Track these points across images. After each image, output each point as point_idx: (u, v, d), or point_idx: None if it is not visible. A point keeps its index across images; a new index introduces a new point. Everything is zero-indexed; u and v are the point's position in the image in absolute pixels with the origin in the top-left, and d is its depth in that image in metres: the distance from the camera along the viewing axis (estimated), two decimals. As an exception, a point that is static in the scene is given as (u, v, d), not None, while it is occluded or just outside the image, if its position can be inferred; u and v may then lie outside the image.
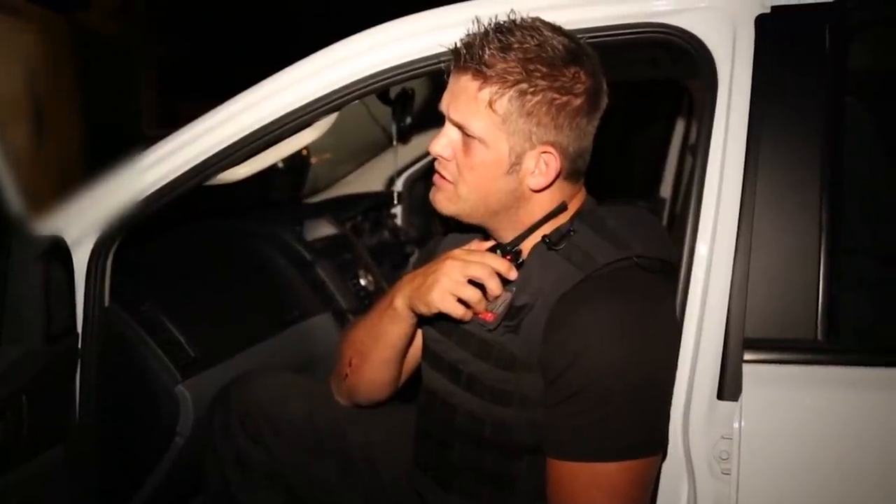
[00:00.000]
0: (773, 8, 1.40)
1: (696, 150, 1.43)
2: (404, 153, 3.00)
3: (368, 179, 3.17)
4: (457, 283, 1.41)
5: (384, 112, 2.72)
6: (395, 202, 3.05)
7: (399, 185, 3.09)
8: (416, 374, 1.62)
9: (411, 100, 2.64)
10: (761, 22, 1.40)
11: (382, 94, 2.53)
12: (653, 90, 3.01)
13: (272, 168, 2.13)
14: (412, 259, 2.99)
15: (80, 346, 1.65)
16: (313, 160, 3.04)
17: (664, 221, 2.76)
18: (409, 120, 2.72)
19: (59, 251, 1.56)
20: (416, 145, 2.94)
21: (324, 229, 2.69)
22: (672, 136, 2.97)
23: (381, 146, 3.06)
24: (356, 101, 1.63)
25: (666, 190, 3.02)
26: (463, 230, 1.56)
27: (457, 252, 1.46)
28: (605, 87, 1.40)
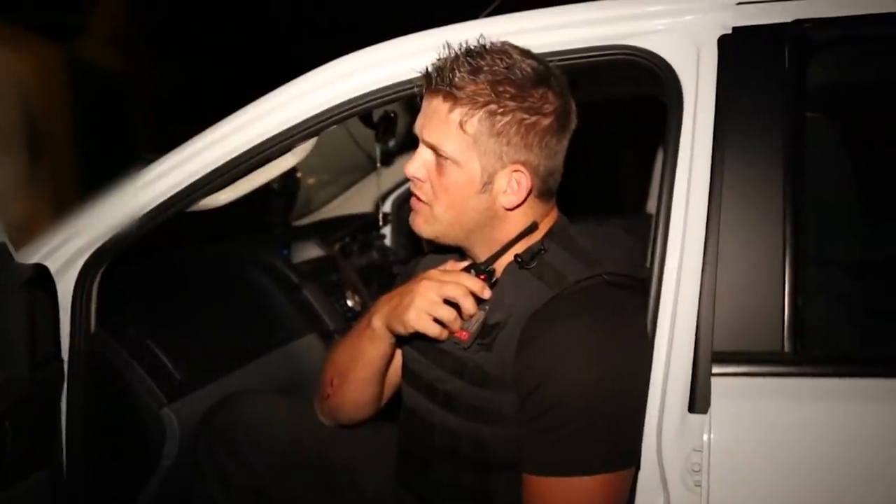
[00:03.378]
0: (735, 29, 1.43)
1: (664, 168, 1.46)
2: (390, 175, 3.03)
3: (356, 201, 3.20)
4: (432, 302, 1.43)
5: (369, 135, 2.76)
6: (383, 223, 3.08)
7: (387, 207, 3.12)
8: (399, 392, 1.64)
9: (394, 123, 2.67)
10: (723, 42, 1.44)
11: (365, 118, 2.56)
12: (638, 107, 3.04)
13: (260, 192, 2.15)
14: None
15: (66, 371, 1.68)
16: (301, 184, 3.07)
17: (651, 237, 2.77)
18: (392, 142, 2.76)
19: (42, 279, 1.59)
20: (402, 167, 2.97)
21: (311, 251, 2.71)
22: (658, 153, 2.99)
23: (368, 168, 3.09)
24: (338, 126, 1.67)
25: (653, 205, 3.04)
26: (442, 251, 1.58)
27: (432, 272, 1.49)
28: (574, 107, 1.43)
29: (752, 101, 1.40)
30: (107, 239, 1.69)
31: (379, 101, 1.61)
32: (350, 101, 1.60)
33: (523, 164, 1.40)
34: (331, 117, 1.61)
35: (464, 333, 1.43)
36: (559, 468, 1.33)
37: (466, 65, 1.37)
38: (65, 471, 1.68)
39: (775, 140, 1.38)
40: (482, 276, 1.45)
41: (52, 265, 1.66)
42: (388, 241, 3.17)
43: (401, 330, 1.47)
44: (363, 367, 1.59)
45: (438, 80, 1.39)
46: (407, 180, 1.50)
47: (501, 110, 1.36)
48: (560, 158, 1.44)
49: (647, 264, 1.46)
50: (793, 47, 1.40)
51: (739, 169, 1.39)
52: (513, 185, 1.41)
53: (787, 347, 1.33)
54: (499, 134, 1.37)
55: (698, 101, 1.43)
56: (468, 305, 1.43)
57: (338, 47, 1.66)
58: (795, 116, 1.38)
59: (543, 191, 1.44)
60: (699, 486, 1.32)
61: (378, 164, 2.83)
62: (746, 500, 1.30)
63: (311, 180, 3.10)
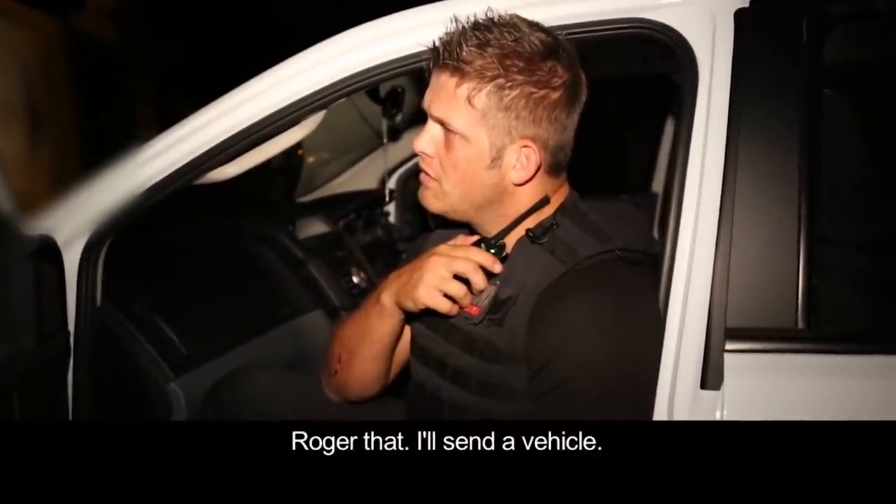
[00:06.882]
0: (752, 1, 1.42)
1: (678, 144, 1.44)
2: (396, 151, 3.01)
3: (362, 178, 3.19)
4: (442, 278, 1.42)
5: (375, 111, 2.74)
6: (388, 200, 3.07)
7: (392, 183, 3.10)
8: (407, 368, 1.64)
9: (401, 97, 2.65)
10: (741, 16, 1.42)
11: (372, 93, 2.54)
12: (646, 86, 3.03)
13: (265, 167, 2.14)
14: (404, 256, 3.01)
15: (72, 344, 1.67)
16: (306, 160, 3.06)
17: (657, 216, 2.76)
18: (399, 118, 2.74)
19: (49, 251, 1.58)
20: (408, 143, 2.96)
21: (316, 227, 2.70)
22: (664, 132, 2.98)
23: (373, 144, 3.08)
24: (344, 100, 1.65)
25: (658, 185, 3.04)
26: (451, 226, 1.57)
27: (442, 248, 1.48)
28: (584, 80, 1.41)
29: (769, 77, 1.38)
30: (112, 213, 1.68)
31: (386, 74, 1.59)
32: (357, 74, 1.58)
33: (532, 139, 1.38)
34: (337, 91, 1.60)
35: (474, 309, 1.42)
36: (569, 444, 1.33)
37: (474, 38, 1.36)
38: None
39: (792, 117, 1.36)
40: (492, 251, 1.44)
41: (58, 238, 1.65)
42: (392, 219, 3.16)
43: (410, 306, 1.46)
44: (371, 344, 1.58)
45: (446, 55, 1.37)
46: (413, 156, 1.49)
47: (509, 84, 1.35)
48: (570, 133, 1.43)
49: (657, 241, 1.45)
50: (811, 21, 1.38)
51: (755, 146, 1.37)
52: (522, 160, 1.40)
53: (800, 324, 1.32)
54: (507, 108, 1.36)
55: (713, 76, 1.41)
56: (478, 280, 1.42)
57: (344, 21, 1.64)
58: (813, 93, 1.37)
59: (553, 166, 1.43)
60: (710, 463, 1.32)
61: (385, 140, 2.81)
62: (758, 477, 1.29)
63: (316, 156, 3.08)
